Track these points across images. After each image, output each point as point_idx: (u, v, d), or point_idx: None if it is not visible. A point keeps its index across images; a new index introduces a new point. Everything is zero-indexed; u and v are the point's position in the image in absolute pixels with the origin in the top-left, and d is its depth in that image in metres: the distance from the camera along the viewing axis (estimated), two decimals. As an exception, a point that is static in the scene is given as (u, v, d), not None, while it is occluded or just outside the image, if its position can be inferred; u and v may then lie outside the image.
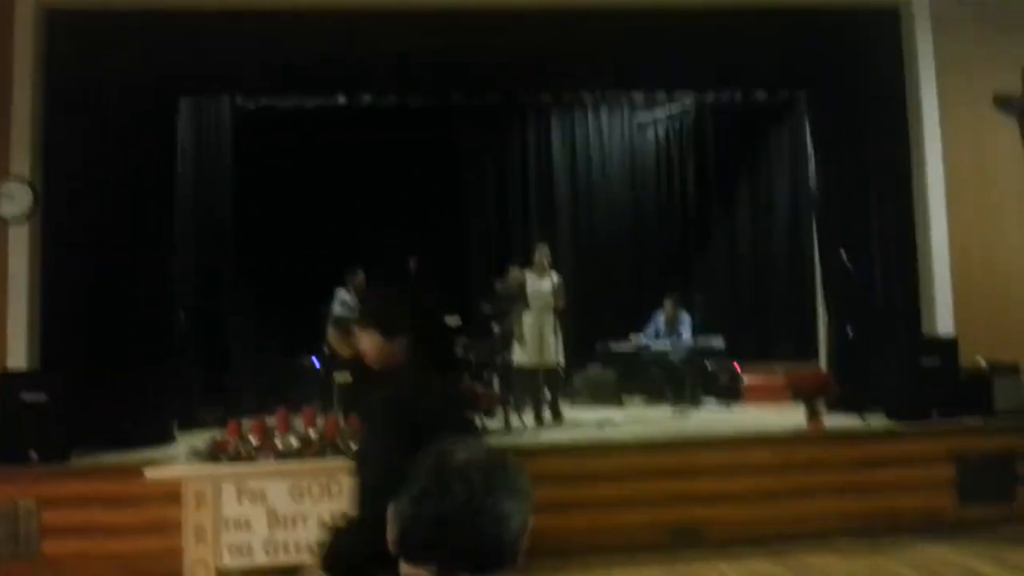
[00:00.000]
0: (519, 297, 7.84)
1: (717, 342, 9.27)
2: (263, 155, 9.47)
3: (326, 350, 7.74)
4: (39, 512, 5.73)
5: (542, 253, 8.13)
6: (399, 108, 9.34)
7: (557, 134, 11.44)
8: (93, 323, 6.72)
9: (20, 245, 6.75)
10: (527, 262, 8.30)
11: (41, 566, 5.69)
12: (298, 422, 5.50)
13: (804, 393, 6.76)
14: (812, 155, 8.15)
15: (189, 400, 7.84)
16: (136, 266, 6.91)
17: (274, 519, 5.15)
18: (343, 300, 8.20)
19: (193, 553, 5.09)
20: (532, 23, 7.20)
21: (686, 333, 9.31)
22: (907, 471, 6.39)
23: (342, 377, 6.98)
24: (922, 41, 7.58)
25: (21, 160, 6.77)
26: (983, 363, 6.97)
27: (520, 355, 7.92)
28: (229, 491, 5.14)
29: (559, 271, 8.30)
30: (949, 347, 7.01)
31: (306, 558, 4.81)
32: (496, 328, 7.87)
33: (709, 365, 9.36)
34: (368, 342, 2.49)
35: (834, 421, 6.85)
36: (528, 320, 7.89)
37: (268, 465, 5.20)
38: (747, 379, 9.21)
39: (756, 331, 10.35)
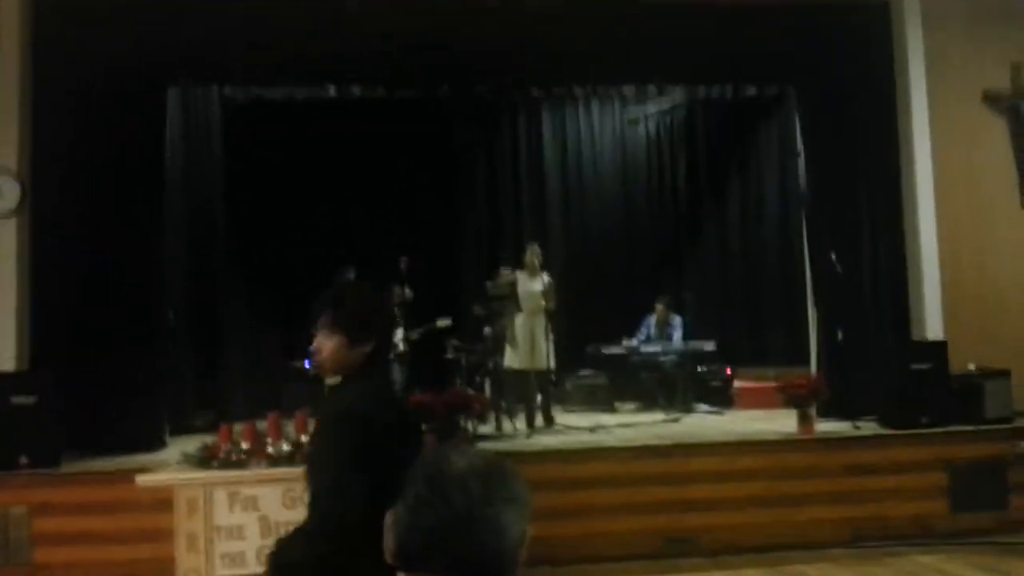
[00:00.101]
0: (510, 298, 7.83)
1: (708, 345, 9.28)
2: (253, 148, 9.34)
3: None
4: (30, 519, 5.67)
5: (533, 253, 8.10)
6: (388, 100, 9.13)
7: (548, 128, 11.40)
8: (82, 322, 6.60)
9: (7, 241, 6.60)
10: (518, 263, 8.28)
11: (32, 574, 5.64)
12: (290, 427, 5.46)
13: (796, 398, 6.76)
14: (801, 151, 8.11)
15: (181, 405, 7.79)
16: (126, 264, 6.81)
17: (267, 527, 5.09)
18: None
19: (186, 562, 5.05)
20: (522, 17, 7.19)
21: (677, 336, 9.30)
22: (899, 478, 6.42)
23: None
24: (912, 37, 7.56)
25: (8, 154, 6.64)
26: (974, 369, 6.98)
27: (511, 358, 7.90)
28: (221, 498, 5.10)
29: (550, 269, 8.28)
30: (938, 350, 7.03)
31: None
32: (487, 331, 7.85)
33: (700, 369, 9.35)
34: (329, 346, 2.33)
35: (825, 426, 6.87)
36: (519, 323, 7.87)
37: (260, 471, 5.17)
38: (738, 383, 9.21)
39: (747, 332, 10.35)
